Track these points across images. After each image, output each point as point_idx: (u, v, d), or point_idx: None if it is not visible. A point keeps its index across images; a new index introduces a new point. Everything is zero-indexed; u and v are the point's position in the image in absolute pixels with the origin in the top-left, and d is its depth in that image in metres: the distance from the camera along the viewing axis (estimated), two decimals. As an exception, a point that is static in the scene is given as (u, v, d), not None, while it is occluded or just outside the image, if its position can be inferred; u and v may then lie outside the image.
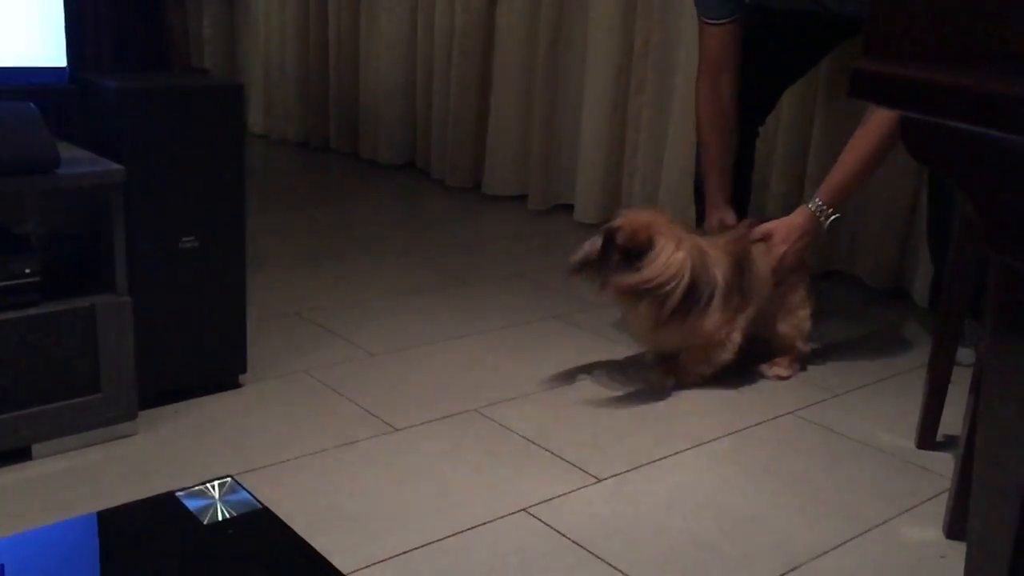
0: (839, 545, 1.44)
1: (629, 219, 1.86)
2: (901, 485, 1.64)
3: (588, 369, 2.04)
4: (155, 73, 1.88)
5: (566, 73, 3.33)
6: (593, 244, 1.87)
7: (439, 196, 3.60)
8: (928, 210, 2.34)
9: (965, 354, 1.92)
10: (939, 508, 1.53)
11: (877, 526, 1.50)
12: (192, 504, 1.33)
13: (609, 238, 1.85)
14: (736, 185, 2.43)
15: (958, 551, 1.43)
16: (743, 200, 2.53)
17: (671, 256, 1.80)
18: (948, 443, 1.77)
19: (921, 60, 1.03)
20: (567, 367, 2.05)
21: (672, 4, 2.97)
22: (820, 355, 2.21)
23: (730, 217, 2.20)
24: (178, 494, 1.35)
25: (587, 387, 1.96)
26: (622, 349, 2.16)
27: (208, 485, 1.38)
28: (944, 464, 1.70)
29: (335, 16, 4.08)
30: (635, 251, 1.82)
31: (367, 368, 1.98)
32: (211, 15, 4.73)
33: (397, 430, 1.72)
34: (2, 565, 1.21)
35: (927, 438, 1.76)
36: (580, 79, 3.25)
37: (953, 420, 1.76)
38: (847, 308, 2.59)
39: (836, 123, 2.68)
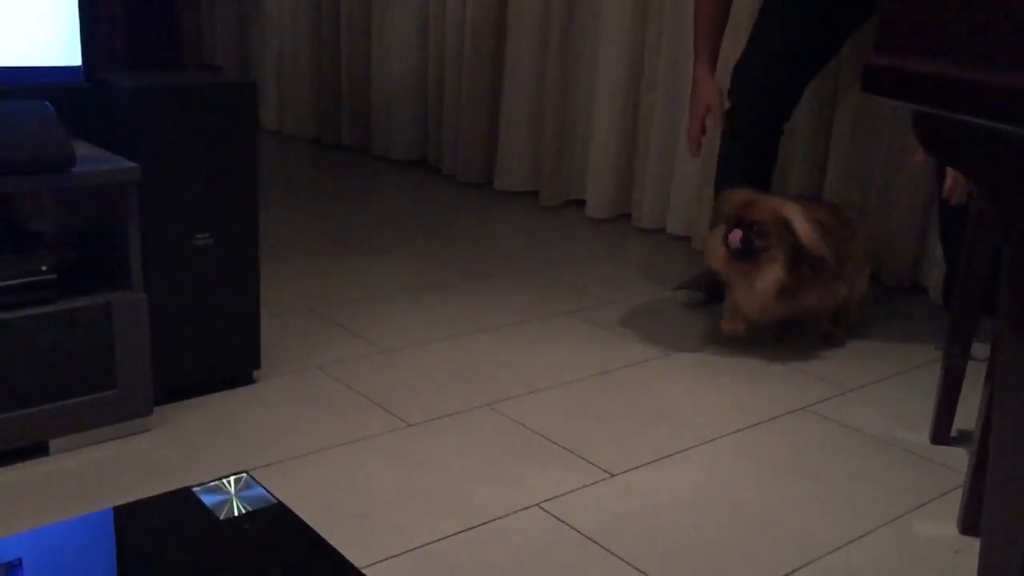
0: (853, 540, 1.44)
1: (748, 198, 2.03)
2: (915, 480, 1.63)
3: (601, 365, 2.04)
4: (169, 71, 1.89)
5: (578, 68, 3.33)
6: (732, 233, 2.01)
7: (451, 192, 3.60)
8: (940, 205, 2.33)
9: (979, 349, 1.92)
10: (953, 503, 1.53)
11: (891, 521, 1.50)
12: (208, 499, 1.34)
13: (740, 221, 2.01)
14: (757, 185, 2.43)
15: (973, 547, 1.43)
16: None
17: (807, 224, 1.99)
18: (962, 438, 1.77)
19: (933, 54, 1.03)
20: (580, 362, 2.05)
21: (684, -1, 2.97)
22: (834, 350, 2.21)
23: (714, 91, 2.31)
24: (194, 489, 1.36)
25: (600, 382, 1.97)
26: (634, 344, 2.17)
27: (224, 480, 1.39)
28: (958, 459, 1.70)
29: (347, 12, 4.09)
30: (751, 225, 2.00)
31: (380, 364, 1.99)
32: (224, 12, 4.75)
33: (410, 425, 1.72)
34: (20, 559, 1.22)
35: (941, 433, 1.76)
36: (592, 74, 3.25)
37: (967, 415, 1.76)
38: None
39: (855, 120, 2.67)
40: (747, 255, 2.00)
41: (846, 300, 2.19)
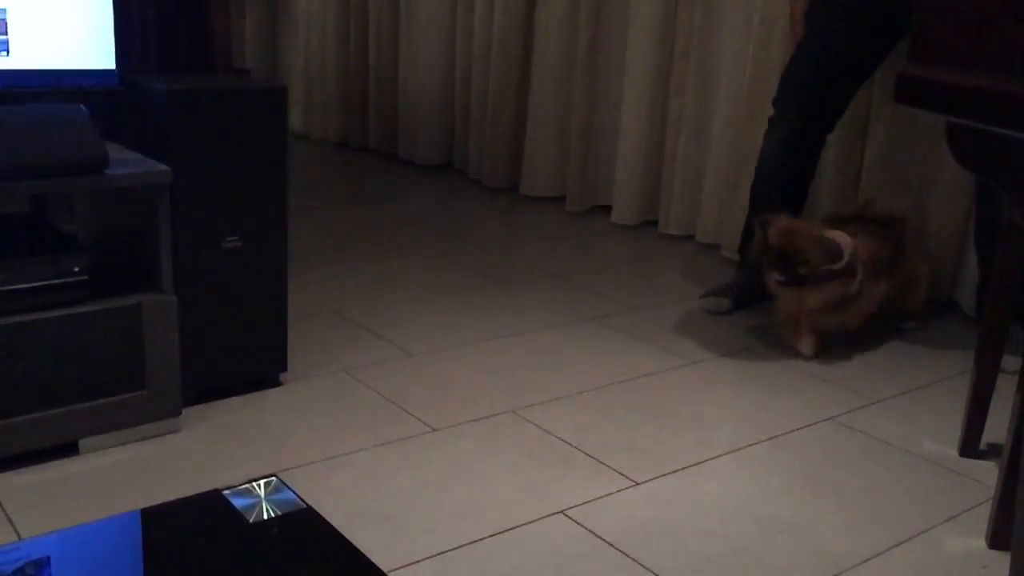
0: (880, 553, 1.43)
1: (787, 227, 2.12)
2: (943, 493, 1.62)
3: (626, 372, 2.04)
4: (201, 75, 1.91)
5: (605, 73, 3.33)
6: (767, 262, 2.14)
7: (477, 197, 3.61)
8: (976, 215, 2.31)
9: (1010, 361, 1.90)
10: (982, 517, 1.52)
11: (918, 535, 1.48)
12: (238, 502, 1.34)
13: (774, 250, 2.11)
14: (794, 195, 2.42)
15: (1002, 561, 1.42)
16: (798, 211, 2.52)
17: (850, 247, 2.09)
18: (991, 451, 1.75)
19: (967, 66, 1.02)
20: (605, 369, 2.05)
21: (712, 4, 2.96)
22: (861, 361, 2.20)
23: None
24: (224, 492, 1.37)
25: (625, 390, 1.96)
26: (659, 352, 2.16)
27: (254, 484, 1.40)
28: (987, 472, 1.68)
29: (375, 17, 4.11)
30: (788, 253, 2.09)
31: (406, 368, 2.00)
32: (253, 17, 4.78)
33: (435, 430, 1.73)
34: (49, 558, 1.24)
35: (970, 445, 1.74)
36: (619, 79, 3.25)
37: (997, 427, 1.74)
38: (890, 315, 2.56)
39: (890, 130, 2.65)
40: (795, 283, 2.10)
41: (907, 296, 2.33)
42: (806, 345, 2.20)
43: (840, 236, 2.10)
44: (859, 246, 2.12)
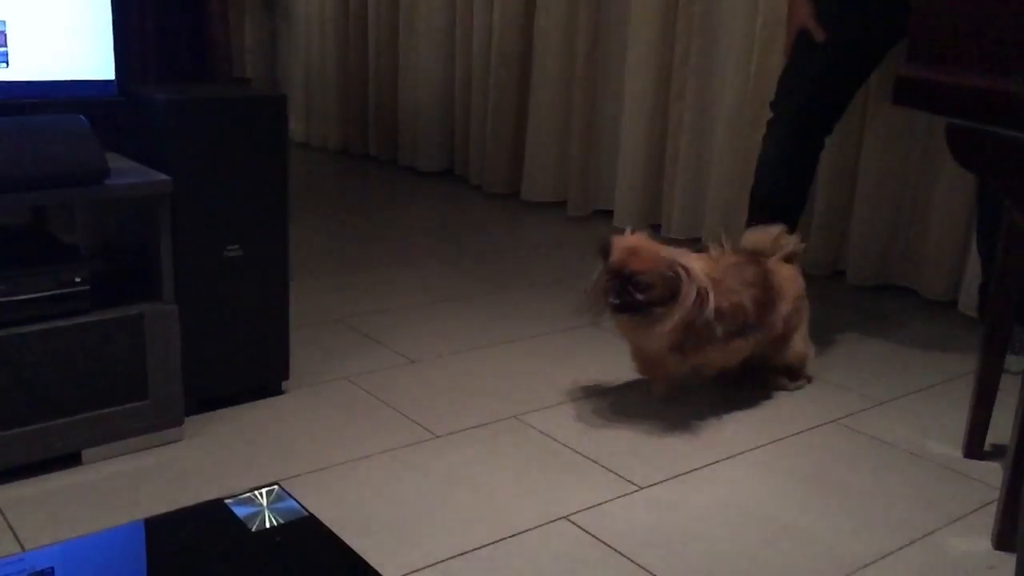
0: (884, 556, 1.42)
1: (630, 246, 1.79)
2: (948, 495, 1.61)
3: (628, 376, 2.04)
4: (200, 84, 1.91)
5: (605, 78, 3.33)
6: (602, 283, 1.80)
7: (478, 202, 3.61)
8: (978, 216, 2.31)
9: (1014, 361, 1.89)
10: (987, 518, 1.51)
11: (923, 537, 1.48)
12: (240, 511, 1.34)
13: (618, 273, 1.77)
14: (793, 198, 2.41)
15: (1007, 562, 1.41)
16: (797, 214, 2.51)
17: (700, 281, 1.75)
18: (996, 452, 1.74)
19: (965, 66, 1.02)
20: (607, 374, 2.04)
21: (713, 8, 2.96)
22: (864, 362, 2.19)
23: (808, 12, 2.23)
24: (227, 501, 1.37)
25: (628, 394, 1.96)
26: (663, 356, 2.16)
27: (256, 492, 1.40)
28: (992, 473, 1.68)
29: (374, 25, 4.12)
30: (631, 275, 1.76)
31: (408, 374, 2.00)
32: (253, 25, 4.79)
33: (438, 436, 1.73)
34: (52, 569, 1.24)
35: (974, 447, 1.74)
36: (619, 84, 3.25)
37: (1001, 428, 1.74)
38: (893, 316, 2.56)
39: (886, 132, 2.65)
40: (630, 309, 1.77)
41: (783, 353, 1.97)
42: (656, 386, 1.94)
43: (694, 263, 1.76)
44: (721, 286, 1.78)
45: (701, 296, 1.73)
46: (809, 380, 2.05)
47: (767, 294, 1.87)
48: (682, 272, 1.74)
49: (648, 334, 1.80)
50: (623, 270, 1.76)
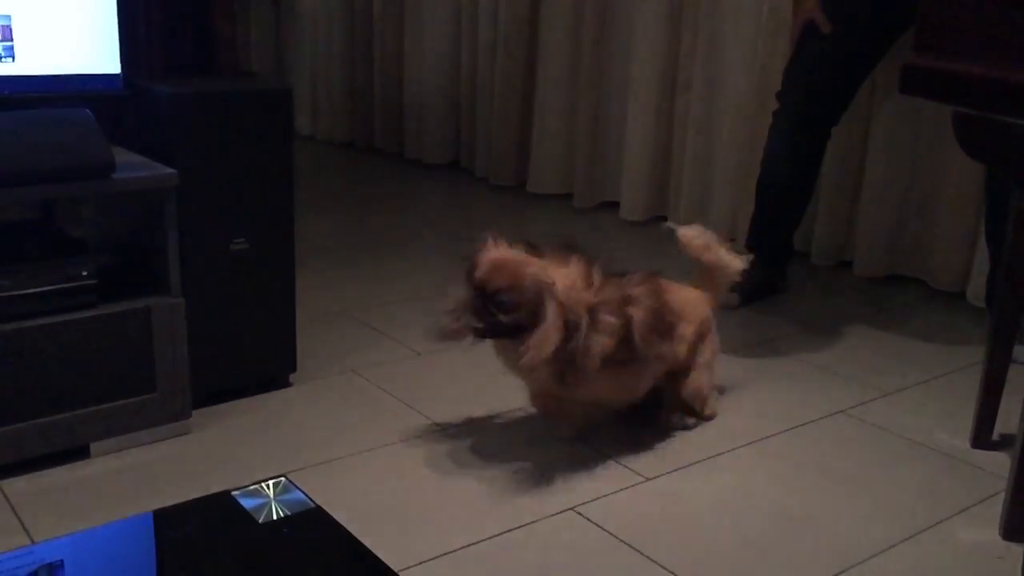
0: (893, 546, 1.42)
1: (496, 262, 1.56)
2: (956, 485, 1.61)
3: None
4: (206, 78, 1.91)
5: (611, 69, 3.32)
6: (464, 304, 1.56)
7: (484, 195, 3.61)
8: (986, 205, 2.30)
9: (1021, 351, 1.89)
10: (995, 509, 1.51)
11: (931, 527, 1.48)
12: (247, 503, 1.35)
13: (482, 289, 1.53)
14: (800, 188, 2.40)
15: (1015, 553, 1.41)
16: (804, 204, 2.50)
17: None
18: (1004, 442, 1.74)
19: (972, 55, 1.02)
20: (614, 366, 2.04)
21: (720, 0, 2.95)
22: (872, 353, 2.19)
23: (815, 7, 2.19)
24: (234, 493, 1.37)
25: (634, 386, 1.96)
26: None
27: (263, 484, 1.41)
28: (1000, 463, 1.67)
29: (380, 17, 4.11)
30: (496, 292, 1.52)
31: (415, 367, 2.00)
32: (258, 19, 4.79)
33: (445, 428, 1.73)
34: (62, 561, 1.24)
35: (982, 437, 1.73)
36: (626, 75, 3.24)
37: (1009, 418, 1.73)
38: (900, 307, 2.56)
39: (893, 122, 2.64)
40: (494, 334, 1.55)
41: (680, 387, 1.73)
42: (559, 426, 1.70)
43: (561, 279, 1.52)
44: (604, 305, 1.54)
45: (568, 317, 1.49)
46: (712, 417, 1.80)
47: (661, 317, 1.62)
48: (544, 289, 1.49)
49: (522, 361, 1.50)
50: (485, 288, 1.52)
